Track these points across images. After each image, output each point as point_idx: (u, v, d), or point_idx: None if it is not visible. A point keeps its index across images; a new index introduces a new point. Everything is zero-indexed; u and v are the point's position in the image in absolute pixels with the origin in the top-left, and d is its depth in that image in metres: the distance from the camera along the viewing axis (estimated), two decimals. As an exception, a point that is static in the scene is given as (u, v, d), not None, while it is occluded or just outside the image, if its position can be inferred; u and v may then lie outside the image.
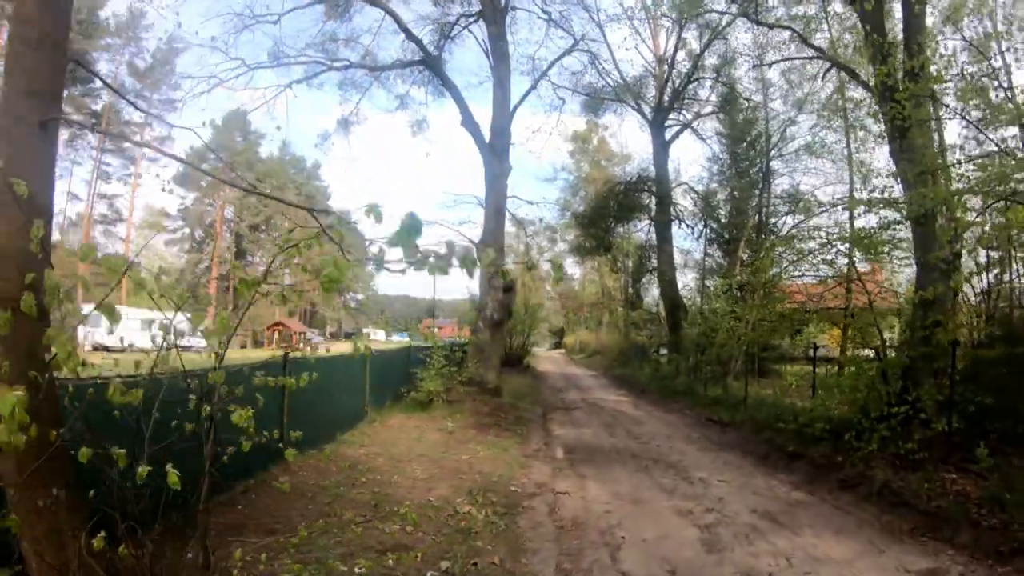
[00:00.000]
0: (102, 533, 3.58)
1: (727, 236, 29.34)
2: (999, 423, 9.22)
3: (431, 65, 22.83)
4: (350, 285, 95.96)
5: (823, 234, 13.29)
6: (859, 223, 12.95)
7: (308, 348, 43.53)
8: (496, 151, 21.07)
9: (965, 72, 9.53)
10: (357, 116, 25.52)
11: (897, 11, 13.13)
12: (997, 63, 10.16)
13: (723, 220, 30.06)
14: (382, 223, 2.58)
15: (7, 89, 3.96)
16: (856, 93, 18.70)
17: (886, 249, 12.01)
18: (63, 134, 52.17)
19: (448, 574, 5.76)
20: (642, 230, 36.86)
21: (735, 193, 28.87)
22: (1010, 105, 9.61)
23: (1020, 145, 10.12)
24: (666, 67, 29.44)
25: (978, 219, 10.10)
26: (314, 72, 22.62)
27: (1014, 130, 10.02)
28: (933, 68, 9.90)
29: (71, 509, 3.91)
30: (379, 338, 75.16)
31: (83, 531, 3.61)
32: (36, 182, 3.66)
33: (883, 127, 11.98)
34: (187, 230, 74.60)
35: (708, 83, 29.53)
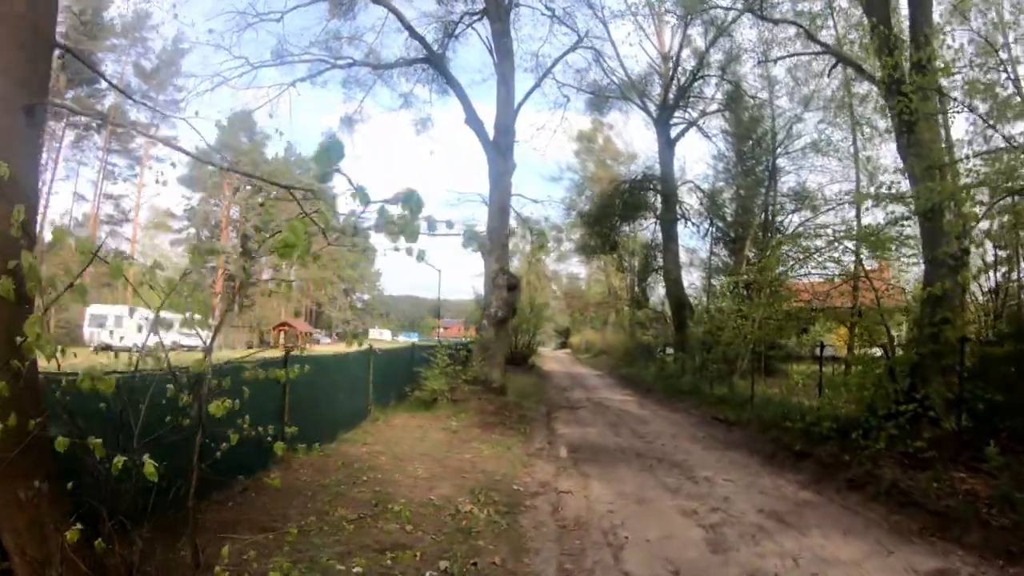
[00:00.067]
0: (78, 525, 3.48)
1: (733, 235, 29.18)
2: (1009, 421, 9.09)
3: (435, 63, 22.77)
4: (356, 285, 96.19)
5: (830, 232, 13.18)
6: (866, 221, 12.85)
7: (312, 347, 43.51)
8: (500, 149, 20.98)
9: (973, 63, 9.37)
10: (361, 114, 25.48)
11: (903, 7, 12.98)
12: (1005, 55, 9.99)
13: (729, 218, 29.89)
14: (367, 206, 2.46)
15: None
16: (862, 88, 18.55)
17: (893, 246, 11.90)
18: (69, 135, 52.57)
19: (447, 574, 5.67)
20: (648, 229, 36.76)
21: (741, 191, 28.72)
22: (1018, 99, 9.47)
23: None
24: (671, 65, 29.33)
25: (986, 214, 9.96)
26: (318, 70, 22.61)
27: (1022, 125, 9.89)
28: (940, 61, 9.77)
29: (53, 502, 3.84)
30: (386, 338, 75.25)
31: (66, 524, 3.51)
32: (19, 166, 3.57)
33: (890, 122, 11.83)
34: (193, 230, 74.72)
35: (714, 81, 29.39)
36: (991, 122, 9.69)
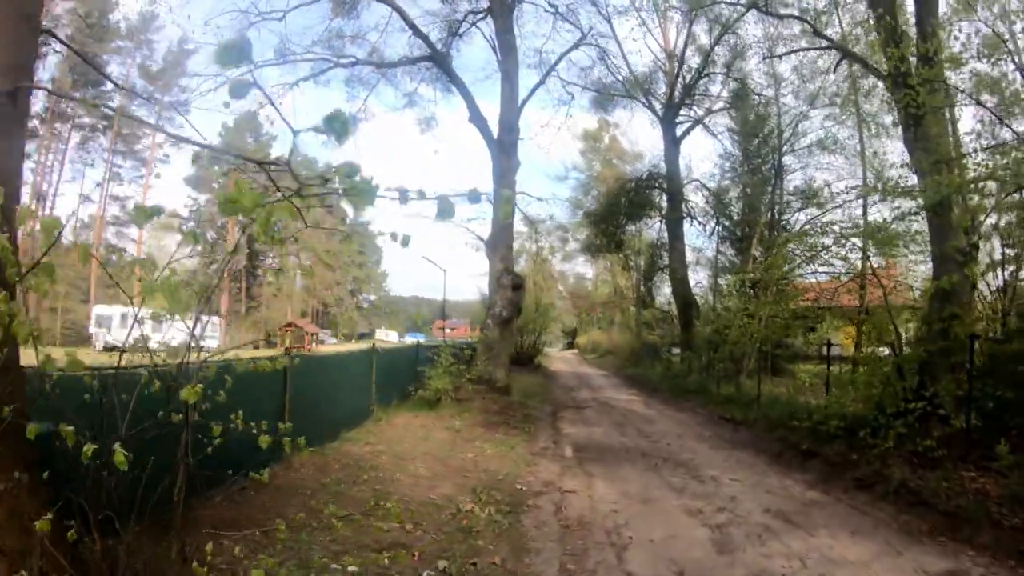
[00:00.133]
0: (48, 515, 3.38)
1: (739, 233, 29.00)
2: (1019, 419, 8.92)
3: (438, 61, 22.68)
4: (362, 286, 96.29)
5: (836, 229, 13.04)
6: (873, 219, 12.71)
7: (318, 347, 43.56)
8: (504, 147, 20.87)
9: (981, 53, 9.23)
10: (365, 113, 25.36)
11: (909, 3, 12.82)
12: (1012, 46, 9.82)
13: (735, 217, 29.71)
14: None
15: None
16: (868, 84, 18.37)
17: (901, 243, 11.76)
18: (75, 137, 52.76)
19: (445, 574, 5.57)
20: (653, 228, 36.65)
21: (747, 190, 28.53)
22: (1025, 93, 9.34)
23: None
24: (676, 62, 29.21)
25: (994, 209, 9.82)
26: (321, 69, 22.50)
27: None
28: (947, 53, 9.63)
29: (33, 493, 3.76)
30: (392, 338, 75.27)
31: (45, 517, 3.42)
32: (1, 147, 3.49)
33: (896, 115, 11.67)
34: (199, 231, 74.84)
35: (719, 79, 29.28)
36: (1000, 115, 9.55)
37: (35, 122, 49.82)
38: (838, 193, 19.87)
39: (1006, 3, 10.16)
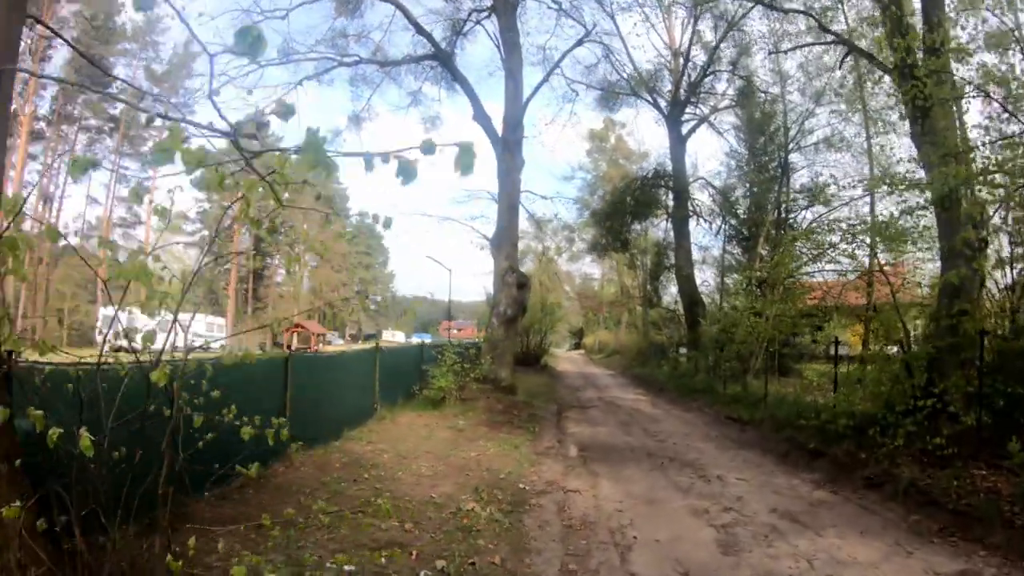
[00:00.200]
0: (18, 503, 3.28)
1: (746, 232, 28.87)
2: (1031, 416, 8.77)
3: (442, 59, 22.61)
4: (369, 287, 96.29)
5: (844, 226, 12.91)
6: (881, 215, 12.55)
7: (325, 348, 43.57)
8: (508, 145, 20.78)
9: (989, 42, 9.07)
10: (369, 112, 25.33)
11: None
12: (1019, 34, 9.66)
13: (742, 215, 29.57)
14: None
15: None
16: (874, 78, 18.17)
17: (908, 239, 11.60)
18: (82, 139, 52.89)
19: (443, 573, 5.46)
20: (659, 227, 36.54)
21: (754, 188, 28.40)
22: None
23: None
24: (681, 60, 29.13)
25: (1003, 203, 9.65)
26: (324, 68, 22.48)
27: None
28: (954, 43, 9.48)
29: (12, 483, 3.68)
30: (399, 339, 75.28)
31: (14, 505, 3.32)
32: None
33: (903, 109, 11.51)
34: (205, 232, 75.03)
35: (725, 76, 29.20)
36: (1008, 107, 9.38)
37: (41, 124, 50.06)
38: (844, 188, 19.68)
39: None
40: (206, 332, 34.45)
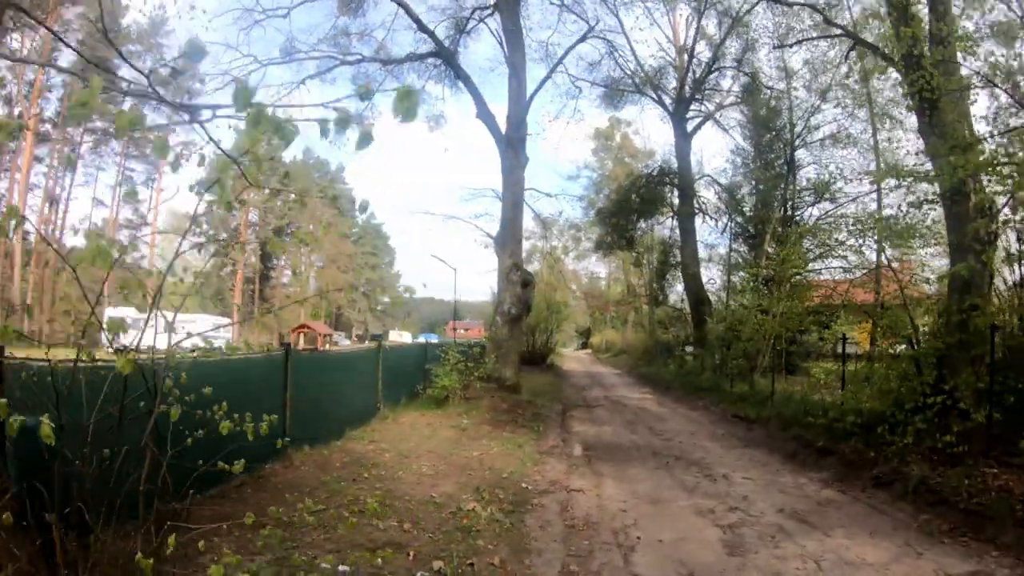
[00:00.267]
0: None
1: (752, 230, 28.68)
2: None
3: (445, 57, 22.51)
4: (378, 290, 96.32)
5: (850, 222, 12.78)
6: (888, 211, 12.41)
7: (331, 348, 43.58)
8: (512, 143, 20.66)
9: (996, 30, 8.92)
10: (372, 111, 25.23)
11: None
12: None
13: (748, 213, 29.39)
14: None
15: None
16: (879, 73, 18.02)
17: (916, 235, 11.45)
18: (87, 141, 53.01)
19: (440, 574, 5.34)
20: (665, 226, 36.42)
21: (760, 185, 28.20)
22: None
23: None
24: (686, 57, 29.01)
25: (1012, 194, 9.48)
26: (327, 67, 22.39)
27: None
28: (961, 31, 9.34)
29: None
30: (406, 339, 75.31)
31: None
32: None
33: (911, 101, 11.33)
34: (212, 234, 75.25)
35: (730, 73, 29.16)
36: (1016, 98, 9.23)
37: (47, 126, 50.20)
38: (850, 181, 19.51)
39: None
40: (212, 332, 34.44)
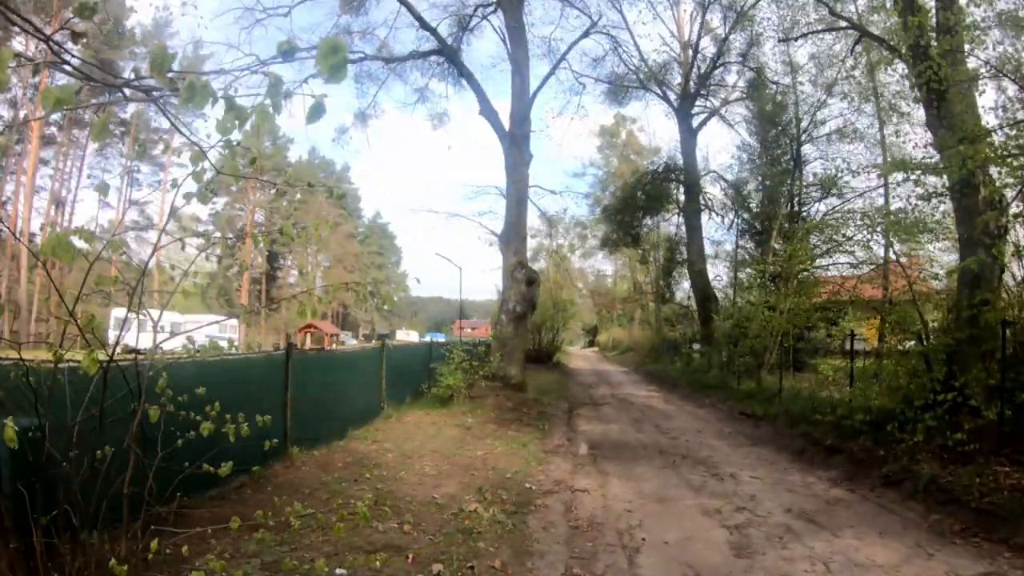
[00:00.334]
0: None
1: (759, 226, 28.51)
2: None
3: (448, 55, 22.38)
4: (382, 287, 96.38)
5: (858, 217, 12.62)
6: (895, 201, 12.26)
7: (337, 348, 43.60)
8: (516, 140, 20.54)
9: (1003, 18, 8.76)
10: (375, 109, 25.18)
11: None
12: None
13: (754, 209, 29.22)
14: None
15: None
16: (885, 65, 17.84)
17: (925, 229, 11.29)
18: (92, 143, 53.08)
19: (438, 578, 5.24)
20: (671, 223, 36.23)
21: (766, 181, 28.00)
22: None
23: None
24: (690, 52, 28.83)
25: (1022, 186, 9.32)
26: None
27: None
28: (969, 19, 9.19)
29: None
30: (413, 339, 75.34)
31: None
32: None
33: (918, 93, 11.17)
34: (218, 235, 75.38)
35: (735, 68, 28.92)
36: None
37: (52, 129, 50.33)
38: (858, 174, 19.32)
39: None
40: (218, 333, 34.43)
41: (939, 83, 9.83)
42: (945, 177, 10.04)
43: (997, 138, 9.49)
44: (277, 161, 75.72)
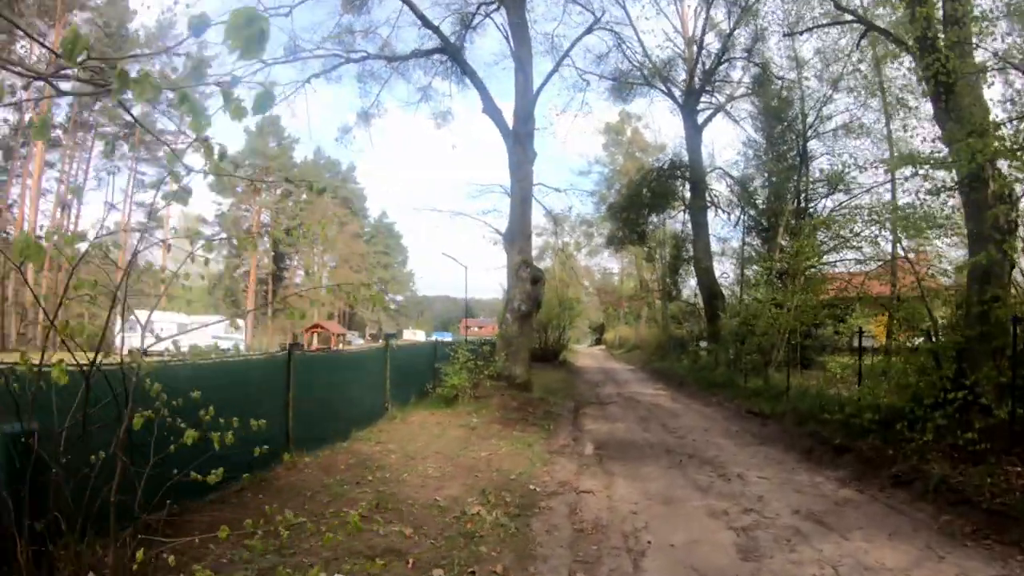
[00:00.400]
0: None
1: (765, 223, 28.33)
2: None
3: (451, 53, 22.27)
4: (389, 286, 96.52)
5: (866, 213, 12.47)
6: (904, 194, 12.10)
7: (344, 348, 43.61)
8: (519, 138, 20.44)
9: (1011, 7, 8.63)
10: (378, 109, 25.07)
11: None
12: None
13: (761, 206, 29.03)
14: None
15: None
16: (893, 60, 17.70)
17: (933, 224, 11.15)
18: (98, 145, 53.24)
19: (439, 584, 5.15)
20: (677, 220, 36.09)
21: (772, 177, 27.83)
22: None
23: None
24: (695, 48, 28.68)
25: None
26: (332, 65, 22.15)
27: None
28: (977, 10, 9.05)
29: None
30: (419, 338, 75.42)
31: None
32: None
33: (925, 87, 11.03)
34: (224, 235, 75.58)
35: (740, 63, 28.76)
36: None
37: (58, 132, 50.46)
38: (865, 169, 19.15)
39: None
40: (224, 334, 34.47)
41: (947, 76, 9.69)
42: (954, 171, 9.90)
43: (1006, 131, 9.34)
44: (283, 161, 75.89)
